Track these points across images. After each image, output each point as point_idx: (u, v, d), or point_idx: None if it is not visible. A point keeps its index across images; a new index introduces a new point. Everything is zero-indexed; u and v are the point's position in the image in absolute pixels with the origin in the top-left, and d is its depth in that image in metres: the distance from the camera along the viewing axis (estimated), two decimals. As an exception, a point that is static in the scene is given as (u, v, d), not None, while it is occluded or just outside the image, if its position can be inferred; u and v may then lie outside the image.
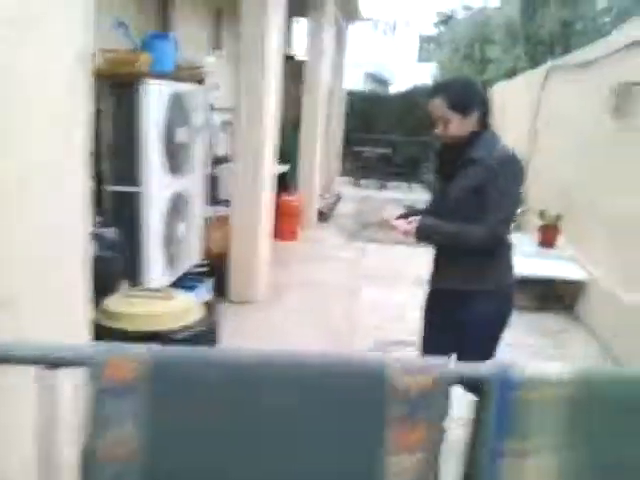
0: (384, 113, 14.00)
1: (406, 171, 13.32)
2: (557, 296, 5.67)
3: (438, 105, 2.41)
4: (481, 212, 2.36)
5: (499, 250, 2.49)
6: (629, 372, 1.25)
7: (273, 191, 5.45)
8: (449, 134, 2.43)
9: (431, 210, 2.66)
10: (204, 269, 5.16)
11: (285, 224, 7.68)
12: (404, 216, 2.64)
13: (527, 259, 5.64)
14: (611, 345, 4.52)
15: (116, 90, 3.89)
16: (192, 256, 4.89)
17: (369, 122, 14.27)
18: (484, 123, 2.45)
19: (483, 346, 2.54)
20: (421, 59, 23.17)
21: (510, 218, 2.48)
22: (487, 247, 2.41)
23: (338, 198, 10.36)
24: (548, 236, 5.75)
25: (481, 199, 2.37)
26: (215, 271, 5.20)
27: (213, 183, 6.56)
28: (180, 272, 4.66)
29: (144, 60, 3.94)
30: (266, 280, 5.45)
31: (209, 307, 3.39)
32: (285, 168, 7.53)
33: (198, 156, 4.79)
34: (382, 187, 13.16)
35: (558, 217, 5.75)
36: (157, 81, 3.99)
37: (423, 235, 2.49)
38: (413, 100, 13.45)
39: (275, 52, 4.99)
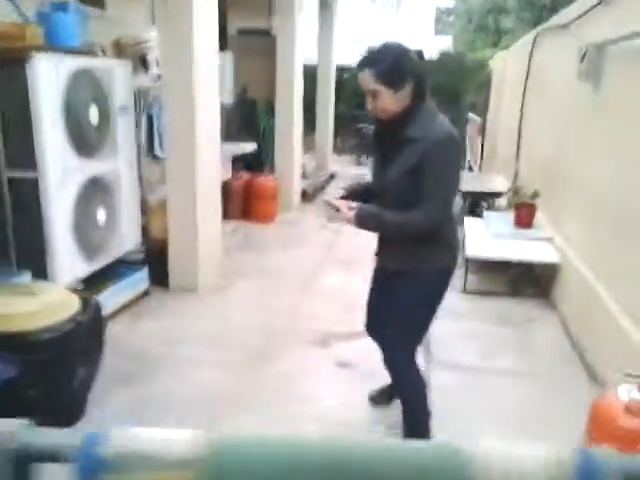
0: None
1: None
2: (534, 281, 5.16)
3: (367, 79, 2.28)
4: (418, 195, 2.27)
5: (437, 231, 2.41)
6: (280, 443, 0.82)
7: (217, 171, 5.02)
8: (380, 108, 2.31)
9: (371, 191, 2.59)
10: (140, 257, 4.83)
11: (260, 206, 7.29)
12: (346, 197, 2.57)
13: (500, 240, 5.16)
14: (580, 339, 4.02)
15: (5, 66, 3.55)
16: (123, 243, 4.54)
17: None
18: (419, 95, 2.31)
19: (410, 322, 2.59)
20: (438, 32, 22.34)
21: (449, 201, 2.37)
22: (427, 232, 2.36)
23: (330, 177, 9.90)
24: (524, 215, 5.22)
25: (418, 181, 2.27)
26: (156, 258, 4.86)
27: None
28: (104, 261, 4.30)
29: (32, 33, 3.57)
30: (215, 267, 5.07)
31: (85, 302, 3.03)
32: (252, 147, 7.12)
33: (124, 137, 4.42)
34: (385, 165, 12.59)
35: (535, 194, 5.22)
36: (52, 56, 3.62)
37: (362, 223, 2.40)
38: (438, 68, 12.79)
39: (207, 25, 4.55)
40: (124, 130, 4.41)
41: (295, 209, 7.96)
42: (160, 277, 4.86)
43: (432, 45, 20.36)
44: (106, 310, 4.17)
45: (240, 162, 7.50)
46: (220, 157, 5.12)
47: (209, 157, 4.78)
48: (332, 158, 11.22)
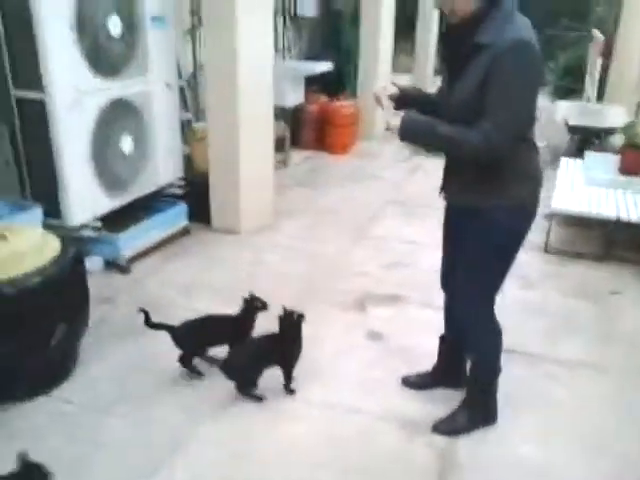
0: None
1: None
2: (636, 243, 4.26)
3: None
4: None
5: (511, 159, 2.01)
6: None
7: (268, 96, 4.40)
8: (448, 8, 1.97)
9: (430, 105, 2.18)
10: (181, 191, 4.44)
11: (335, 135, 6.64)
12: (397, 98, 2.18)
13: (597, 190, 4.28)
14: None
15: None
16: (158, 176, 4.14)
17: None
18: None
19: (480, 271, 2.21)
20: None
21: (514, 123, 1.93)
22: (483, 158, 1.97)
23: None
24: (631, 159, 4.27)
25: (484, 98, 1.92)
26: (200, 194, 4.43)
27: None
28: (132, 196, 3.94)
29: None
30: (263, 206, 4.57)
31: (65, 250, 2.65)
32: (325, 67, 6.39)
33: (160, 54, 3.92)
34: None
35: (649, 134, 4.23)
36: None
37: (406, 132, 2.03)
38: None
39: None
40: (160, 45, 3.92)
41: (377, 139, 7.17)
42: (204, 215, 4.46)
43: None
44: (134, 249, 3.87)
45: (317, 84, 6.83)
46: (271, 78, 4.45)
47: (255, 78, 4.17)
48: (434, 80, 10.21)
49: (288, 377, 2.66)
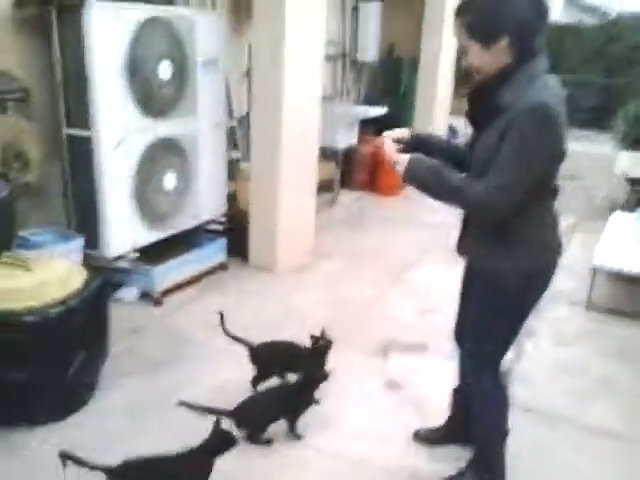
0: (576, 48, 11.60)
1: (597, 117, 10.97)
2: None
3: (458, 30, 1.93)
4: None
5: (528, 224, 1.97)
6: None
7: (313, 137, 4.49)
8: (473, 66, 1.94)
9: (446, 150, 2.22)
10: (222, 227, 4.55)
11: (386, 176, 6.63)
12: (408, 142, 2.16)
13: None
14: None
15: (63, 13, 3.37)
16: (200, 212, 4.26)
17: (556, 59, 12.04)
18: (522, 54, 1.87)
19: (487, 333, 2.16)
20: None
21: (523, 187, 1.85)
22: (477, 213, 2.00)
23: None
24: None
25: None
26: (241, 230, 4.53)
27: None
28: (172, 231, 4.06)
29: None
30: (301, 246, 4.62)
31: (87, 282, 2.75)
32: (379, 111, 6.44)
33: (210, 96, 4.08)
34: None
35: None
36: (114, 5, 3.36)
37: (409, 173, 1.99)
38: (614, 32, 10.97)
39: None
40: (210, 87, 4.07)
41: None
42: (243, 251, 4.54)
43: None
44: (170, 281, 3.97)
45: (373, 126, 6.89)
46: (317, 121, 4.53)
47: (300, 120, 4.27)
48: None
49: (292, 426, 2.65)
